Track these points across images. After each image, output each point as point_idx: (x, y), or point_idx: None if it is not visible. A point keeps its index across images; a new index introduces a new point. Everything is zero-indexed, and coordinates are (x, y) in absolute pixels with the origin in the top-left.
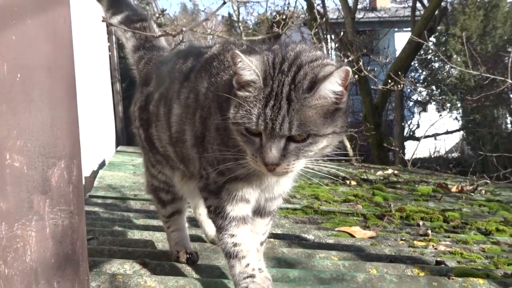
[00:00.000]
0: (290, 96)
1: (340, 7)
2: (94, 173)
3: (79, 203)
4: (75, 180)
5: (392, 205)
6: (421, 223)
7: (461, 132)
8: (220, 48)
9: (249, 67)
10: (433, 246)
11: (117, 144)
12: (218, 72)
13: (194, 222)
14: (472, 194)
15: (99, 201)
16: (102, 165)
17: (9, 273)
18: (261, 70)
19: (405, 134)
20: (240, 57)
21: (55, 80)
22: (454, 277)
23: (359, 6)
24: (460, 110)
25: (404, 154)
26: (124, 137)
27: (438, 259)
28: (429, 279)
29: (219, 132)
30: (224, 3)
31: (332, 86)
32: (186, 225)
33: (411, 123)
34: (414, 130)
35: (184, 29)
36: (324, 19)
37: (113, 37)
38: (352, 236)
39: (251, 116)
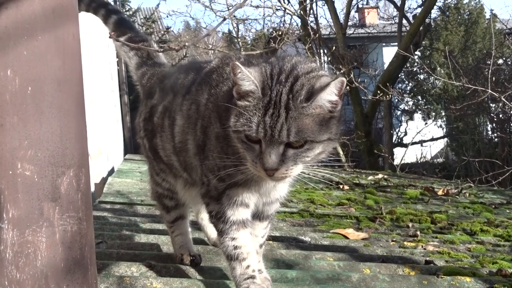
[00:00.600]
0: (288, 105)
1: (332, 24)
2: (104, 180)
3: (87, 209)
4: (83, 187)
5: (383, 208)
6: (410, 224)
7: (445, 139)
8: (218, 62)
9: (248, 78)
10: (422, 246)
11: (125, 153)
12: (217, 84)
13: (197, 226)
14: (457, 196)
15: (108, 206)
16: (111, 172)
17: (20, 278)
18: (260, 81)
19: (393, 141)
20: (239, 68)
21: (64, 93)
22: (443, 276)
23: (350, 23)
24: (444, 119)
25: (393, 160)
26: (132, 146)
27: (427, 258)
28: (420, 278)
29: (219, 140)
30: (224, 19)
31: (328, 96)
32: (189, 229)
33: (399, 130)
34: (402, 137)
35: (187, 44)
36: (317, 34)
37: None
38: (346, 237)
39: (251, 124)
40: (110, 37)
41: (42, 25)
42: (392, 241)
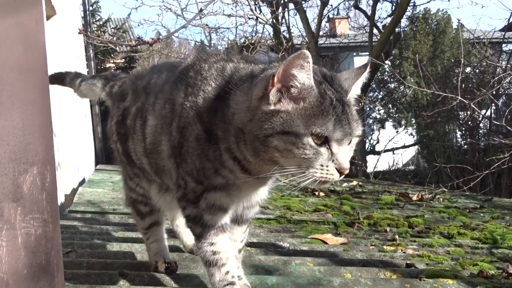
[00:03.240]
0: (344, 100)
1: (304, 33)
2: (74, 191)
3: (53, 211)
4: (49, 187)
5: (360, 213)
6: (388, 229)
7: (416, 147)
8: (194, 59)
9: (309, 73)
10: (401, 250)
11: (96, 163)
12: (196, 81)
13: (173, 233)
14: (431, 202)
15: (78, 215)
16: (82, 183)
17: None
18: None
19: (366, 149)
20: (309, 59)
21: (26, 82)
22: (425, 279)
23: (321, 33)
24: (415, 126)
25: (366, 167)
26: (103, 157)
27: (408, 262)
28: (402, 281)
29: (200, 142)
30: (201, 10)
31: (360, 84)
32: (165, 236)
33: (371, 138)
34: (375, 145)
35: (161, 37)
36: (289, 43)
37: (92, 63)
38: (325, 243)
39: (326, 125)
40: (79, 33)
41: (2, 8)
42: (371, 245)
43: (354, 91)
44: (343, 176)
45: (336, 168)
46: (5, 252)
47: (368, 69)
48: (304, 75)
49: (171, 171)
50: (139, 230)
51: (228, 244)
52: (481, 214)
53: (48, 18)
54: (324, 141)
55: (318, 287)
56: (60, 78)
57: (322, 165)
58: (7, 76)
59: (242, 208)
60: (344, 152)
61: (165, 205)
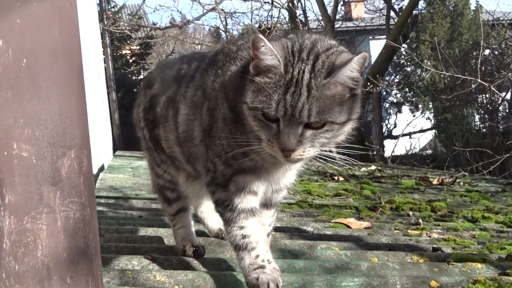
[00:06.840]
0: (310, 83)
1: (320, 17)
2: (95, 177)
3: (90, 195)
4: (86, 170)
5: (381, 198)
6: (411, 213)
7: (434, 131)
8: (224, 43)
9: (271, 52)
10: (426, 234)
11: (114, 150)
12: (224, 63)
13: (197, 218)
14: (452, 186)
15: (102, 201)
16: (101, 169)
17: (19, 269)
18: (282, 56)
19: (383, 133)
20: (263, 41)
21: (62, 66)
22: (453, 263)
23: (337, 16)
24: (432, 110)
25: (383, 152)
26: (121, 143)
27: (434, 246)
28: (430, 265)
29: (226, 122)
30: None
31: (350, 73)
32: (192, 222)
33: (388, 123)
34: (392, 130)
35: (190, 19)
36: (305, 27)
37: (108, 49)
38: (349, 227)
39: (270, 102)
40: (106, 18)
41: None
42: (396, 229)
43: (342, 77)
44: (290, 158)
45: (278, 147)
46: (45, 235)
47: (361, 60)
48: (263, 56)
49: (202, 156)
50: (166, 216)
51: (258, 228)
52: (504, 198)
53: None
54: (276, 119)
55: (346, 271)
56: None
57: (268, 140)
58: (44, 59)
59: (271, 191)
60: (287, 133)
61: (193, 194)
